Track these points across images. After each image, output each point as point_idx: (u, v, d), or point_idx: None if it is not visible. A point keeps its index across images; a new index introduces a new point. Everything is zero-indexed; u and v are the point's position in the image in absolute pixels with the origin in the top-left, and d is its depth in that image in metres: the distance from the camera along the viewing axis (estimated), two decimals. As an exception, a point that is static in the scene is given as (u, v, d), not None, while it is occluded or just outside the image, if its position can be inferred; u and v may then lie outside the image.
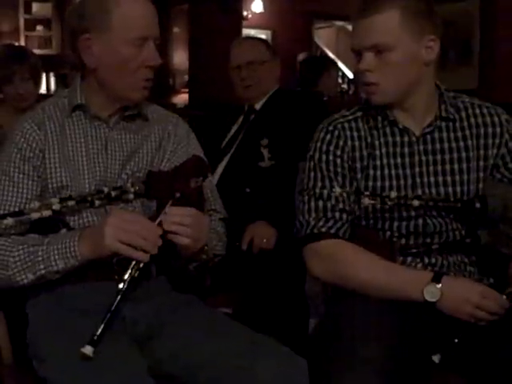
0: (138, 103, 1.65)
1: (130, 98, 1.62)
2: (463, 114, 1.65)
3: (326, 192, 1.61)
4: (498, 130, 1.64)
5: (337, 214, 1.59)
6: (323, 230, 1.59)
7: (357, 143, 1.64)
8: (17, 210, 1.52)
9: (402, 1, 1.54)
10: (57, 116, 1.62)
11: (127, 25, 1.54)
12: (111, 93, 1.61)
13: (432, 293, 1.46)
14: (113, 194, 1.55)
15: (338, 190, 1.59)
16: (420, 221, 1.60)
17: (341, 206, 1.60)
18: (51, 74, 7.63)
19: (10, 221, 1.48)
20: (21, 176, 1.56)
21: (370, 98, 1.61)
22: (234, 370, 1.39)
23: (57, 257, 1.46)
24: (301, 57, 7.59)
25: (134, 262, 1.42)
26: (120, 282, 1.43)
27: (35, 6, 8.62)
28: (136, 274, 1.43)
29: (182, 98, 6.72)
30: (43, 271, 1.47)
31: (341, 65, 7.74)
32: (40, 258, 1.47)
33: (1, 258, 1.49)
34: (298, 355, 1.43)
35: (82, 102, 1.62)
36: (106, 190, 1.55)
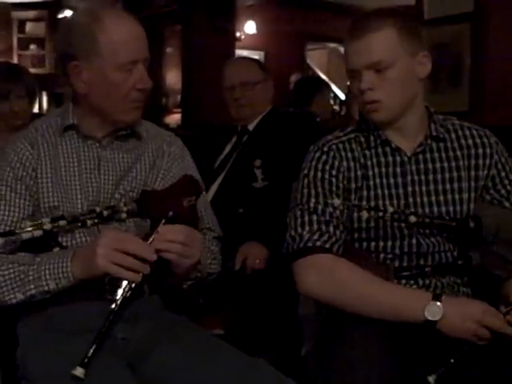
0: (131, 124, 1.64)
1: (123, 120, 1.61)
2: (453, 136, 1.67)
3: (320, 207, 1.60)
4: (488, 151, 1.65)
5: (331, 229, 1.58)
6: (318, 243, 1.56)
7: (351, 164, 1.64)
8: (8, 229, 1.51)
9: (397, 19, 1.58)
10: (50, 135, 1.62)
11: (115, 50, 1.52)
12: (104, 116, 1.60)
13: (433, 311, 1.44)
14: (105, 213, 1.54)
15: (337, 202, 1.58)
16: (414, 240, 1.60)
17: (335, 222, 1.59)
18: (44, 93, 7.65)
19: (0, 240, 1.47)
20: (13, 195, 1.55)
21: (372, 116, 1.61)
22: None
23: (48, 277, 1.44)
24: (294, 78, 7.65)
25: (125, 283, 1.42)
26: (112, 302, 1.42)
27: (29, 26, 8.66)
28: (128, 294, 1.42)
29: (174, 118, 6.73)
30: (33, 291, 1.45)
31: (332, 86, 7.78)
32: (31, 278, 1.45)
33: None
34: (289, 378, 1.42)
35: (74, 123, 1.61)
36: (98, 209, 1.54)
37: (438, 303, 1.45)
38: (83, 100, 1.60)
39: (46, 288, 1.45)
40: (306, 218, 1.60)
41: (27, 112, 2.81)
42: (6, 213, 1.54)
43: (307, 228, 1.58)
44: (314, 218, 1.59)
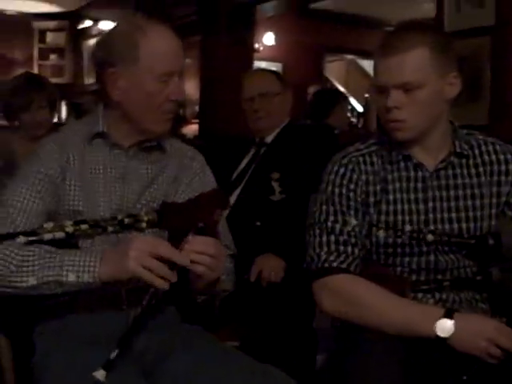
0: (160, 136, 1.66)
1: (153, 130, 1.63)
2: (476, 151, 1.66)
3: (338, 226, 1.60)
4: (511, 167, 1.63)
5: (349, 249, 1.58)
6: (334, 264, 1.57)
7: (371, 177, 1.63)
8: (33, 220, 1.51)
9: (431, 38, 1.55)
10: (78, 141, 1.63)
11: (154, 60, 1.55)
12: (134, 125, 1.62)
13: (444, 329, 1.43)
14: (126, 221, 1.55)
15: (352, 222, 1.58)
16: (432, 257, 1.59)
17: (353, 240, 1.59)
18: (63, 103, 7.71)
19: (22, 239, 1.47)
20: (39, 188, 1.55)
21: (395, 134, 1.60)
22: None
23: (70, 268, 1.42)
24: (312, 89, 7.64)
25: (152, 290, 1.41)
26: (130, 312, 1.42)
27: (49, 36, 8.75)
28: (153, 302, 1.41)
29: (191, 129, 6.75)
30: (50, 278, 1.43)
31: (350, 98, 7.78)
32: (52, 264, 1.43)
33: (5, 254, 1.44)
34: None
35: (104, 130, 1.63)
36: (119, 217, 1.55)
37: (450, 320, 1.44)
38: (115, 107, 1.62)
39: (64, 279, 1.42)
40: (324, 238, 1.60)
41: (49, 121, 2.85)
42: (31, 203, 1.53)
43: (325, 248, 1.59)
44: (332, 238, 1.59)
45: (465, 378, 1.42)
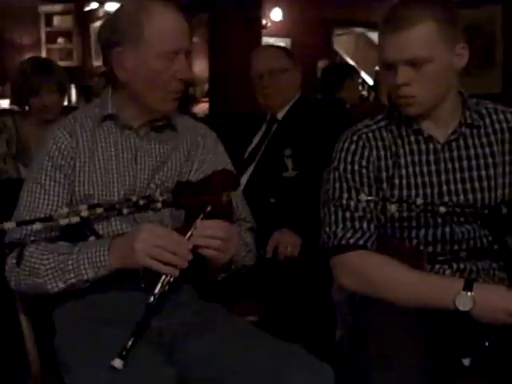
0: (168, 115, 1.66)
1: (161, 109, 1.63)
2: (487, 120, 1.64)
3: (352, 203, 1.60)
4: None
5: (364, 225, 1.59)
6: (351, 241, 1.58)
7: (382, 153, 1.63)
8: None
9: (436, 11, 1.52)
10: (88, 125, 1.64)
11: (160, 38, 1.55)
12: (142, 105, 1.62)
13: (464, 302, 1.43)
14: (141, 202, 1.56)
15: (364, 198, 1.58)
16: (447, 228, 1.59)
17: (368, 216, 1.59)
18: (72, 86, 7.71)
19: (38, 226, 1.49)
20: (52, 183, 1.58)
21: (406, 109, 1.59)
22: (260, 379, 1.38)
23: (87, 266, 1.47)
24: (321, 64, 7.59)
25: (163, 277, 1.43)
26: (149, 291, 1.43)
27: (56, 19, 8.73)
28: (166, 289, 1.43)
29: (202, 108, 6.75)
30: (74, 280, 1.49)
31: (361, 72, 7.72)
32: (70, 267, 1.48)
33: (32, 265, 1.52)
34: (324, 363, 1.42)
35: (113, 113, 1.64)
36: (134, 198, 1.56)
37: (469, 293, 1.43)
38: (123, 88, 1.63)
39: (86, 277, 1.48)
40: (340, 215, 1.60)
41: (58, 105, 2.85)
42: (45, 201, 1.57)
43: (341, 225, 1.59)
44: (348, 214, 1.60)
45: (486, 344, 1.43)
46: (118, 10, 1.64)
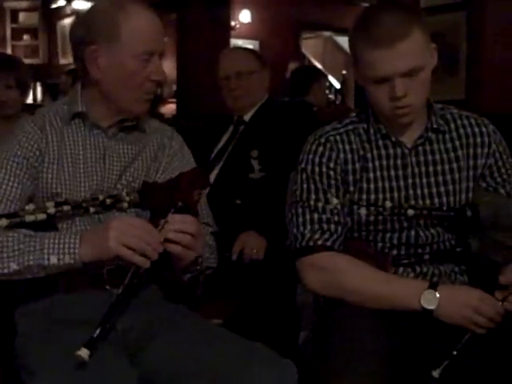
0: (139, 116, 1.65)
1: (133, 110, 1.62)
2: (452, 125, 1.67)
3: (320, 204, 1.61)
4: (486, 139, 1.65)
5: (332, 227, 1.60)
6: (319, 242, 1.58)
7: (349, 156, 1.64)
8: (13, 206, 1.51)
9: (418, 19, 1.53)
10: (57, 123, 1.62)
11: (136, 38, 1.55)
12: (114, 104, 1.61)
13: (429, 300, 1.46)
14: (108, 201, 1.55)
15: (333, 200, 1.59)
16: (412, 232, 1.61)
17: (336, 218, 1.60)
18: (38, 84, 7.62)
19: (3, 222, 1.46)
20: (17, 172, 1.55)
21: (402, 119, 1.58)
22: (223, 378, 1.38)
23: (51, 251, 1.43)
24: (292, 66, 7.62)
25: (133, 269, 1.41)
26: (112, 291, 1.42)
27: (22, 16, 8.62)
28: (135, 280, 1.41)
29: (169, 108, 6.73)
30: (31, 262, 1.43)
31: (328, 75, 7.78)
32: (32, 248, 1.44)
33: None
34: (287, 359, 1.43)
35: (83, 110, 1.62)
36: (101, 197, 1.55)
37: (434, 291, 1.46)
38: (95, 86, 1.61)
39: (46, 262, 1.43)
40: (308, 217, 1.61)
41: (17, 102, 2.82)
42: (10, 188, 1.54)
43: (309, 227, 1.60)
44: (315, 216, 1.60)
45: (455, 353, 1.44)
46: (93, 8, 1.62)
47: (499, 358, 1.44)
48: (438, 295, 1.46)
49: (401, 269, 1.62)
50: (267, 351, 1.44)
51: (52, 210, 1.49)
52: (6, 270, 1.44)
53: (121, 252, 1.39)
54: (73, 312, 1.52)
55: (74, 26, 1.64)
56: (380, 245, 1.63)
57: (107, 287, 1.52)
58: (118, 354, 1.43)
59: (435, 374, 1.43)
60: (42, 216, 1.48)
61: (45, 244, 1.44)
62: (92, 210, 1.54)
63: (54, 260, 1.43)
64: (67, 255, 1.42)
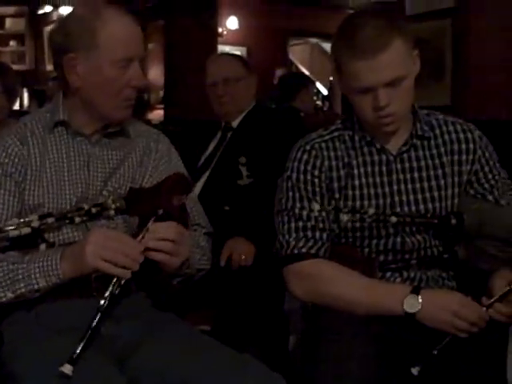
0: (121, 122, 1.65)
1: (114, 117, 1.62)
2: (437, 132, 1.67)
3: (305, 212, 1.61)
4: (472, 146, 1.66)
5: (317, 234, 1.60)
6: (303, 250, 1.59)
7: (334, 163, 1.64)
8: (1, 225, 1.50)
9: (399, 27, 1.53)
10: (39, 132, 1.62)
11: (113, 45, 1.54)
12: (94, 111, 1.61)
13: (412, 304, 1.47)
14: (93, 210, 1.54)
15: (316, 207, 1.60)
16: (398, 238, 1.62)
17: (321, 225, 1.61)
18: (24, 90, 7.57)
19: None
20: (1, 192, 1.55)
21: (386, 128, 1.58)
22: None
23: (38, 275, 1.45)
24: (279, 73, 7.64)
25: (114, 279, 1.41)
26: (100, 299, 1.41)
27: (8, 22, 8.57)
28: (117, 291, 1.42)
29: (157, 115, 6.71)
30: (23, 289, 1.46)
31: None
32: (20, 277, 1.45)
33: None
34: (275, 372, 1.42)
35: (65, 119, 1.61)
36: (86, 206, 1.54)
37: (416, 296, 1.47)
38: (75, 94, 1.60)
39: (36, 286, 1.45)
40: (293, 225, 1.62)
41: (4, 108, 2.80)
42: (1, 211, 1.53)
43: (294, 235, 1.61)
44: (300, 224, 1.61)
45: (435, 352, 1.45)
46: (70, 15, 1.62)
47: (480, 359, 1.46)
48: (420, 299, 1.47)
49: (388, 273, 1.63)
50: (256, 363, 1.44)
51: (36, 224, 1.49)
52: (4, 299, 1.47)
53: (99, 266, 1.40)
54: (60, 319, 1.51)
55: (52, 33, 1.63)
56: (367, 250, 1.64)
57: (94, 294, 1.52)
58: (105, 361, 1.43)
59: (414, 371, 1.44)
60: (26, 230, 1.48)
61: (31, 270, 1.45)
62: (78, 220, 1.53)
63: (42, 283, 1.45)
64: (53, 276, 1.45)
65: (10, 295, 1.47)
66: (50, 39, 1.63)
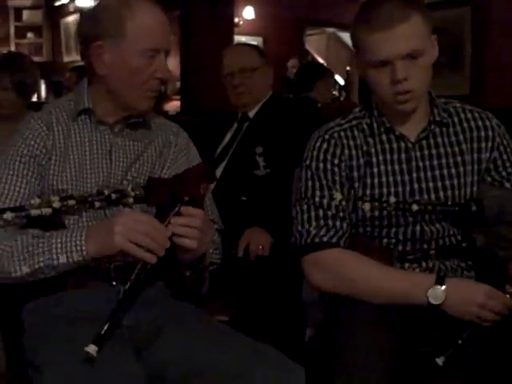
0: (144, 113, 1.65)
1: (137, 107, 1.62)
2: (455, 119, 1.66)
3: (325, 201, 1.60)
4: (490, 133, 1.65)
5: (337, 223, 1.59)
6: (324, 239, 1.58)
7: (353, 152, 1.64)
8: (18, 204, 1.51)
9: (419, 6, 1.54)
10: (63, 119, 1.62)
11: (141, 35, 1.54)
12: (118, 101, 1.61)
13: (436, 296, 1.46)
14: (113, 196, 1.55)
15: (338, 196, 1.58)
16: (417, 227, 1.61)
17: (341, 214, 1.60)
18: (42, 82, 7.63)
19: (9, 215, 1.47)
20: (25, 172, 1.55)
21: (403, 106, 1.57)
22: (231, 378, 1.39)
23: (59, 250, 1.43)
24: (291, 63, 7.61)
25: (140, 264, 1.41)
26: (120, 288, 1.42)
27: (26, 14, 8.63)
28: (142, 276, 1.41)
29: (173, 105, 6.73)
30: (42, 263, 1.44)
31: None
32: (40, 250, 1.44)
33: None
34: (295, 363, 1.43)
35: (89, 107, 1.62)
36: (106, 192, 1.55)
37: (441, 287, 1.47)
38: (100, 82, 1.61)
39: (56, 262, 1.44)
40: (313, 213, 1.60)
41: (14, 103, 2.81)
42: (17, 188, 1.54)
43: (314, 223, 1.59)
44: (321, 212, 1.60)
45: (460, 342, 1.44)
46: (99, 4, 1.62)
47: (505, 348, 1.44)
48: (444, 290, 1.46)
49: (406, 264, 1.62)
50: (276, 353, 1.44)
51: (57, 204, 1.49)
52: (18, 273, 1.45)
53: (127, 248, 1.39)
54: (80, 308, 1.52)
55: (80, 22, 1.65)
56: (385, 240, 1.63)
57: (114, 283, 1.53)
58: (124, 350, 1.44)
59: (439, 361, 1.43)
60: (47, 210, 1.48)
61: (52, 244, 1.44)
62: (97, 204, 1.54)
63: (63, 259, 1.43)
64: (75, 253, 1.43)
65: (25, 270, 1.45)
66: (77, 28, 1.64)
